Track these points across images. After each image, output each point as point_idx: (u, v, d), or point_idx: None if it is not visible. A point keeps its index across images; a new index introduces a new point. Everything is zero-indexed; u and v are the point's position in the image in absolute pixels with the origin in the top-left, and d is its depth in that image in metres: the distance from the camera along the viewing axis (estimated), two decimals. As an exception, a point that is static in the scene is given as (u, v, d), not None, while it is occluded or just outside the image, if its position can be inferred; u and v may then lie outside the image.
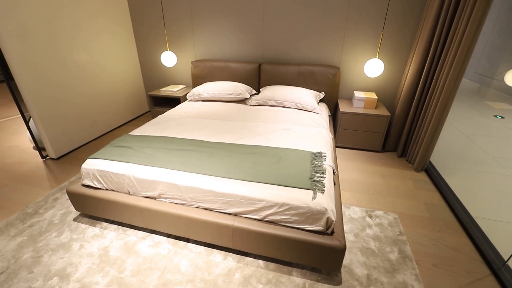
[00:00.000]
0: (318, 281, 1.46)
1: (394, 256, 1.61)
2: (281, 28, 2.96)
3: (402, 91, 2.68)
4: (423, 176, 2.44)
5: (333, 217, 1.35)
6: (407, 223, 1.89)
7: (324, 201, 1.37)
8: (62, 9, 2.52)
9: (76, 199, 1.79)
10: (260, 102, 2.80)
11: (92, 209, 1.78)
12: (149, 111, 4.00)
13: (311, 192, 1.42)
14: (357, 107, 2.81)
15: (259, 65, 3.12)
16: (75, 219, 1.89)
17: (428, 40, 2.28)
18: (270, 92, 2.79)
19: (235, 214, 1.51)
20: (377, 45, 2.76)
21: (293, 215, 1.39)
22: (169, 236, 1.74)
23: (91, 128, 3.02)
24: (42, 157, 2.68)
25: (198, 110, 2.69)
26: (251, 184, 1.48)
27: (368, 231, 1.80)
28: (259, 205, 1.43)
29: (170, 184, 1.56)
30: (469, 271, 1.54)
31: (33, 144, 2.95)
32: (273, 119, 2.45)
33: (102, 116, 3.14)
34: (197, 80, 3.34)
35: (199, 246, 1.67)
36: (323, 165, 1.66)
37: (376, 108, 2.79)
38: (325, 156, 1.77)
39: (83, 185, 1.78)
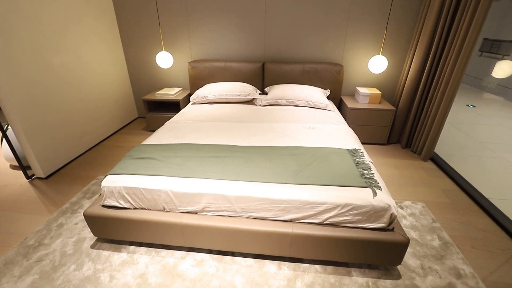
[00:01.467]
0: (379, 278, 1.45)
1: (436, 243, 1.68)
2: (284, 26, 2.92)
3: (404, 85, 2.82)
4: (431, 164, 2.59)
5: (396, 212, 1.35)
6: (434, 210, 1.98)
7: (385, 197, 1.36)
8: (44, 7, 2.18)
9: (95, 222, 1.55)
10: (271, 102, 2.74)
11: (117, 232, 1.56)
12: (138, 118, 3.69)
13: (368, 190, 1.40)
14: (362, 103, 2.90)
15: (263, 64, 3.05)
16: (93, 246, 1.64)
17: (430, 35, 2.43)
18: (280, 91, 2.74)
19: (291, 221, 1.44)
20: (377, 42, 2.87)
21: (355, 215, 1.37)
22: (210, 252, 1.60)
23: (81, 139, 2.68)
24: (27, 177, 2.30)
25: (208, 113, 2.53)
26: (308, 188, 1.42)
27: (404, 222, 1.85)
28: (320, 209, 1.38)
29: (217, 196, 1.43)
30: (502, 248, 1.66)
31: (10, 163, 2.52)
32: (291, 118, 2.40)
33: (91, 126, 2.80)
34: (196, 81, 3.16)
35: (248, 258, 1.56)
36: (365, 162, 1.66)
37: (379, 103, 2.90)
38: (362, 152, 1.78)
39: (104, 206, 1.55)
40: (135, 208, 1.53)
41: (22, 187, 2.22)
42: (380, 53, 2.84)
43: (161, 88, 3.41)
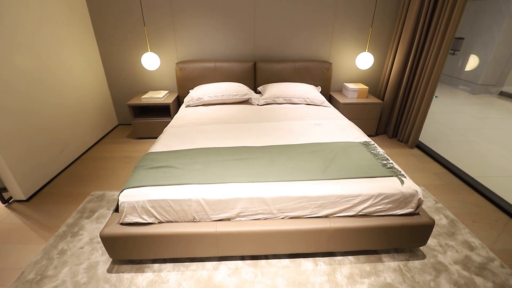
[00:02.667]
0: (407, 260, 1.54)
1: (444, 221, 1.84)
2: (273, 24, 2.93)
3: (388, 80, 3.03)
4: (418, 151, 2.83)
5: (422, 197, 1.44)
6: (434, 192, 2.17)
7: (411, 184, 1.45)
8: (13, 7, 1.88)
9: (115, 243, 1.39)
10: (268, 100, 2.73)
11: (139, 251, 1.42)
12: (118, 125, 3.39)
13: (394, 178, 1.48)
14: (351, 98, 3.04)
15: (254, 64, 3.03)
16: (110, 270, 1.47)
17: (411, 33, 2.64)
18: (276, 89, 2.75)
19: (326, 216, 1.46)
20: (363, 40, 3.03)
21: (387, 203, 1.43)
22: (242, 258, 1.54)
23: (62, 153, 2.37)
24: (4, 201, 1.97)
25: (208, 115, 2.43)
26: (340, 182, 1.45)
27: (412, 206, 1.99)
28: (355, 201, 1.42)
29: (254, 199, 1.38)
30: (496, 219, 1.89)
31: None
32: (295, 116, 2.42)
33: (71, 137, 2.50)
34: (185, 83, 3.01)
35: (282, 259, 1.54)
36: (380, 153, 1.75)
37: (367, 97, 3.08)
38: (373, 144, 1.87)
39: (124, 223, 1.40)
40: (160, 222, 1.41)
41: (-1, 213, 1.90)
42: (367, 50, 3.01)
43: (145, 92, 3.19)
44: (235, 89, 2.71)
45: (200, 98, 2.66)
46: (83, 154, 2.68)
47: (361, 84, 3.18)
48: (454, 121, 3.79)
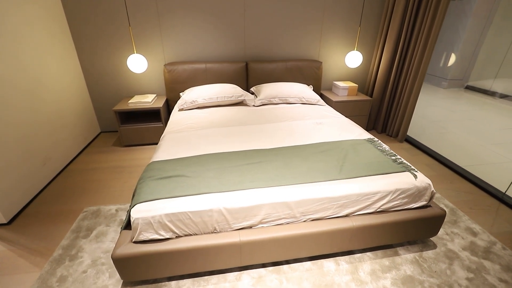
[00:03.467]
0: (421, 250, 1.60)
1: (446, 210, 1.94)
2: (263, 24, 2.90)
3: (375, 77, 3.15)
4: (407, 145, 2.97)
5: (434, 189, 1.50)
6: (429, 183, 2.28)
7: (423, 178, 1.51)
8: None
9: (128, 264, 1.27)
10: (265, 101, 2.69)
11: (156, 269, 1.31)
12: (101, 133, 3.15)
13: (407, 173, 1.53)
14: (342, 95, 3.11)
15: (246, 64, 2.97)
16: (122, 293, 1.35)
17: (397, 32, 2.76)
18: (272, 90, 2.72)
19: (347, 215, 1.46)
20: (350, 39, 3.11)
21: (403, 198, 1.47)
22: (263, 265, 1.50)
23: (44, 166, 2.14)
24: (-20, 227, 1.72)
25: (206, 118, 2.33)
26: (358, 180, 1.46)
27: (414, 197, 2.08)
28: (374, 198, 1.43)
29: (277, 204, 1.34)
30: (488, 204, 2.03)
31: None
32: (295, 116, 2.41)
33: (53, 147, 2.26)
34: (174, 86, 2.87)
35: (303, 262, 1.52)
36: (386, 149, 1.80)
37: (356, 94, 3.17)
38: (378, 141, 1.91)
39: (137, 242, 1.28)
40: (177, 237, 1.31)
41: (-24, 241, 1.65)
42: (355, 49, 3.09)
43: (131, 96, 2.99)
44: (230, 90, 2.63)
45: (194, 101, 2.55)
46: (67, 166, 2.44)
47: (350, 82, 3.27)
48: (433, 114, 4.04)
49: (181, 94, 2.83)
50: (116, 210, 1.90)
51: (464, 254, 1.57)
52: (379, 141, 1.91)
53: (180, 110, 2.59)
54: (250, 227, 1.37)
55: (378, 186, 1.44)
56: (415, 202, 1.50)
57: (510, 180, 2.15)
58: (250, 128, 2.14)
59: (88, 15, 2.58)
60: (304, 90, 2.76)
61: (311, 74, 3.09)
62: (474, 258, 1.55)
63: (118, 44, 2.73)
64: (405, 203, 1.49)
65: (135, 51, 2.67)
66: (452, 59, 5.18)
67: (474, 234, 1.73)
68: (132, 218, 1.24)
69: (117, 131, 3.16)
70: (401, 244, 1.64)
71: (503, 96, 4.34)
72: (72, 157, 2.54)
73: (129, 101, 2.71)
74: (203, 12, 2.74)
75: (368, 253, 1.58)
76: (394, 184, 1.45)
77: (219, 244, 1.30)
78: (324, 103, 2.80)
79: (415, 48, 2.66)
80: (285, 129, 2.13)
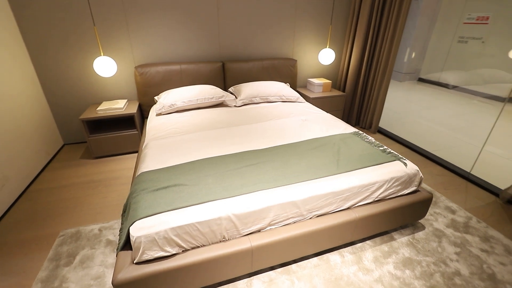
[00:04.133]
0: (413, 233, 1.72)
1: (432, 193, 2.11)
2: (238, 22, 2.85)
3: (347, 72, 3.30)
4: (380, 136, 3.17)
5: (422, 175, 1.62)
6: (406, 169, 2.46)
7: (411, 165, 1.61)
8: None
9: None
10: (246, 101, 2.65)
11: (161, 288, 1.21)
12: (64, 145, 2.81)
13: (397, 162, 1.62)
14: (317, 92, 3.21)
15: (223, 64, 2.89)
16: (124, 321, 1.21)
17: (365, 28, 2.92)
18: (252, 89, 2.68)
19: (349, 208, 1.49)
20: (322, 37, 3.21)
21: (397, 185, 1.56)
22: (272, 268, 1.47)
23: (3, 188, 1.83)
24: None
25: (187, 122, 2.21)
26: (357, 172, 1.51)
27: (396, 184, 2.23)
28: (373, 188, 1.49)
29: (285, 204, 1.32)
30: (458, 183, 2.26)
31: None
32: (279, 114, 2.41)
33: (10, 166, 1.95)
34: (148, 89, 2.68)
35: (310, 259, 1.52)
36: (373, 141, 1.89)
37: (330, 90, 3.29)
38: (364, 134, 2.00)
39: (140, 262, 1.16)
40: (184, 251, 1.22)
41: None
42: (327, 46, 3.20)
43: (98, 103, 2.72)
44: (210, 91, 2.54)
45: (173, 105, 2.41)
46: (30, 185, 2.13)
47: (323, 78, 3.38)
48: (396, 106, 4.38)
49: (156, 98, 2.65)
50: (100, 230, 1.71)
51: (449, 231, 1.72)
52: (364, 134, 2.00)
53: (158, 114, 2.43)
54: (259, 230, 1.33)
55: (375, 176, 1.50)
56: (406, 188, 1.60)
57: (472, 161, 2.42)
58: (238, 129, 2.09)
59: (42, 14, 2.27)
60: (283, 88, 2.78)
61: (287, 72, 3.13)
62: (458, 234, 1.71)
63: (79, 45, 2.46)
64: (399, 190, 1.58)
65: (101, 53, 2.42)
66: (406, 54, 5.68)
67: (453, 212, 1.90)
68: (133, 237, 1.12)
69: (84, 142, 2.85)
70: (394, 229, 1.74)
71: (454, 87, 4.88)
72: (34, 175, 2.22)
73: (98, 108, 2.46)
74: (174, 10, 2.59)
75: (367, 242, 1.64)
76: (388, 173, 1.53)
77: (229, 253, 1.24)
78: (304, 100, 2.86)
79: (382, 44, 2.85)
80: (273, 128, 2.12)
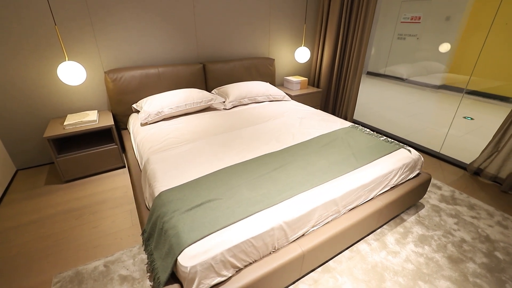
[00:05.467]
0: (417, 212, 1.90)
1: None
2: (215, 21, 2.72)
3: (320, 69, 3.46)
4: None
5: (422, 159, 1.79)
6: (388, 155, 2.71)
7: (414, 151, 1.78)
8: None
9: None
10: (235, 103, 2.55)
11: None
12: (18, 171, 2.29)
13: (403, 150, 1.77)
14: (296, 90, 3.29)
15: (203, 66, 2.73)
16: None
17: (336, 28, 3.10)
18: (239, 90, 2.60)
19: (373, 198, 1.57)
20: (294, 36, 3.29)
21: (407, 171, 1.70)
22: (312, 270, 1.45)
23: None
24: None
25: (181, 130, 2.03)
26: (375, 164, 1.60)
27: (386, 169, 2.43)
28: (391, 176, 1.60)
29: (327, 204, 1.31)
30: (433, 163, 2.58)
31: None
32: (272, 114, 2.38)
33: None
34: (123, 97, 2.36)
35: (342, 253, 1.55)
36: (371, 132, 2.03)
37: (306, 87, 3.41)
38: (360, 126, 2.13)
39: (192, 293, 1.02)
40: (238, 271, 1.11)
41: None
42: (303, 45, 3.29)
43: (61, 117, 2.29)
44: (197, 95, 2.38)
45: (159, 112, 2.17)
46: (-13, 229, 1.68)
47: (298, 76, 3.48)
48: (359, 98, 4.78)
49: (135, 106, 2.36)
50: (105, 266, 1.45)
51: (443, 205, 1.96)
52: (361, 127, 2.12)
53: (144, 124, 2.17)
54: (303, 234, 1.30)
55: (391, 165, 1.61)
56: (412, 172, 1.76)
57: (437, 142, 2.79)
58: (241, 133, 2.00)
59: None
60: (269, 88, 2.77)
61: (266, 71, 3.13)
62: (450, 206, 1.95)
63: (32, 49, 2.02)
64: (407, 175, 1.73)
65: (66, 58, 2.03)
66: (357, 51, 6.24)
67: (439, 188, 2.17)
68: (186, 267, 0.97)
69: (44, 165, 2.38)
70: (402, 211, 1.90)
71: (402, 79, 5.55)
72: (-10, 214, 1.76)
73: (65, 123, 2.07)
74: (146, 8, 2.34)
75: (384, 226, 1.76)
76: (399, 161, 1.66)
77: (283, 263, 1.18)
78: (289, 98, 2.90)
79: (352, 42, 3.06)
80: (275, 128, 2.09)
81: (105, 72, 2.31)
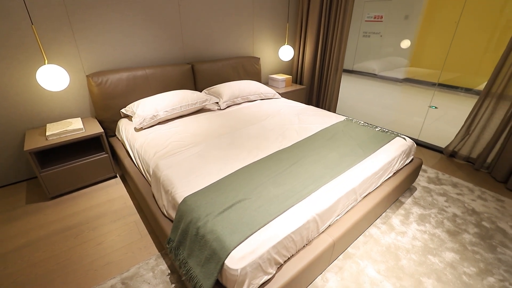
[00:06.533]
0: (411, 194, 2.07)
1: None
2: (200, 20, 2.65)
3: (302, 67, 3.57)
4: (339, 120, 3.59)
5: (415, 145, 1.96)
6: (374, 145, 2.91)
7: (407, 138, 1.93)
8: None
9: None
10: (229, 103, 2.52)
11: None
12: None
13: (398, 138, 1.92)
14: (281, 87, 3.36)
15: (192, 66, 2.65)
16: None
17: (317, 26, 3.22)
18: (232, 90, 2.57)
19: (381, 185, 1.68)
20: (277, 35, 3.35)
21: (404, 157, 1.84)
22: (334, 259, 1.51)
23: None
24: None
25: (182, 133, 1.95)
26: (379, 152, 1.71)
27: (376, 158, 2.61)
28: (394, 162, 1.73)
29: (348, 193, 1.38)
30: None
31: None
32: (270, 112, 2.40)
33: None
34: (109, 102, 2.20)
35: (357, 239, 1.64)
36: (366, 123, 2.16)
37: (291, 85, 3.49)
38: (354, 119, 2.25)
39: (238, 295, 1.00)
40: (279, 268, 1.12)
41: None
42: (286, 43, 3.36)
43: (39, 127, 2.06)
44: (192, 97, 2.30)
45: (155, 116, 2.07)
46: (-31, 261, 1.45)
47: (282, 74, 3.55)
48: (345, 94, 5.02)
49: (123, 111, 2.21)
50: (123, 283, 1.35)
51: (432, 186, 2.17)
52: (355, 119, 2.25)
53: (139, 129, 2.04)
54: (329, 225, 1.35)
55: (392, 152, 1.74)
56: (408, 158, 1.92)
57: (414, 130, 3.06)
58: (245, 132, 1.99)
59: None
60: (260, 87, 2.79)
61: (252, 70, 3.14)
62: (437, 186, 2.16)
63: (8, 52, 1.78)
64: (405, 161, 1.88)
65: (46, 61, 1.81)
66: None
67: (425, 171, 2.39)
68: (236, 270, 0.95)
69: (19, 182, 2.11)
70: (400, 195, 2.06)
71: (375, 75, 5.95)
72: (-32, 244, 1.52)
73: (48, 133, 1.87)
74: (129, 7, 2.20)
75: (388, 211, 1.89)
76: (398, 148, 1.80)
77: (318, 254, 1.21)
78: (279, 96, 2.94)
79: (333, 40, 3.21)
80: (277, 125, 2.11)
81: (87, 76, 2.13)
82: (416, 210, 1.89)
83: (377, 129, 2.05)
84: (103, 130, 2.03)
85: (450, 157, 2.64)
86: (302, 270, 1.14)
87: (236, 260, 0.97)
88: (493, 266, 1.48)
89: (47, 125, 2.02)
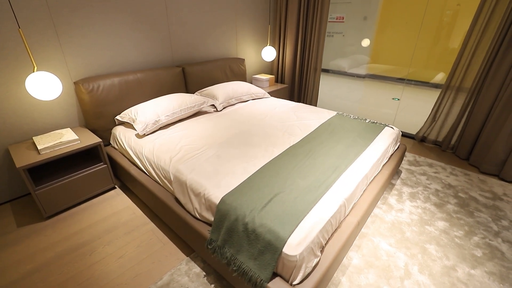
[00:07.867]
0: (399, 177, 2.35)
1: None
2: (188, 23, 2.63)
3: (283, 67, 3.72)
4: (319, 115, 3.84)
5: (401, 132, 2.23)
6: (356, 136, 3.19)
7: (395, 127, 2.19)
8: None
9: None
10: (225, 104, 2.54)
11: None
12: (-35, 220, 1.75)
13: (387, 128, 2.16)
14: (266, 87, 3.48)
15: (183, 69, 2.60)
16: None
17: (295, 27, 3.40)
18: (225, 91, 2.60)
19: (381, 170, 1.89)
20: (259, 36, 3.44)
21: (394, 144, 2.09)
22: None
23: None
24: None
25: (189, 138, 1.92)
26: (376, 141, 1.92)
27: (361, 148, 2.87)
28: (389, 149, 1.95)
29: (363, 178, 1.54)
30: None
31: None
32: (266, 112, 2.48)
33: None
34: (102, 109, 2.07)
35: (368, 219, 1.82)
36: (356, 117, 2.38)
37: (274, 84, 3.63)
38: (344, 113, 2.46)
39: (297, 283, 1.08)
40: (321, 250, 1.22)
41: None
42: (268, 44, 3.47)
43: (24, 140, 1.85)
44: (190, 100, 2.28)
45: (157, 121, 2.01)
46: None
47: (264, 74, 3.66)
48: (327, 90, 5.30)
49: (119, 118, 2.10)
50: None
51: (413, 168, 2.48)
52: (345, 114, 2.46)
53: (142, 136, 1.96)
54: (351, 209, 1.50)
55: (386, 140, 1.96)
56: (396, 144, 2.18)
57: (387, 119, 3.42)
58: (252, 131, 2.04)
59: None
60: (250, 87, 2.86)
61: (238, 71, 3.19)
62: (417, 168, 2.48)
63: (-26, 58, 1.57)
64: (394, 147, 2.13)
65: (35, 68, 1.64)
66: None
67: (405, 155, 2.71)
68: (295, 256, 1.03)
69: (1, 204, 1.88)
70: (392, 177, 2.32)
71: (344, 73, 6.37)
72: (-35, 278, 1.32)
73: (39, 148, 1.70)
74: (116, 9, 2.09)
75: (385, 194, 2.12)
76: (389, 136, 2.03)
77: (349, 233, 1.34)
78: (269, 95, 3.05)
79: (311, 38, 3.42)
80: (279, 123, 2.21)
81: (75, 83, 1.98)
82: (406, 190, 2.16)
83: (367, 121, 2.28)
84: (101, 140, 1.91)
85: (420, 142, 3.03)
86: (339, 250, 1.26)
87: (294, 247, 1.05)
88: (474, 228, 1.79)
89: (34, 138, 1.83)
